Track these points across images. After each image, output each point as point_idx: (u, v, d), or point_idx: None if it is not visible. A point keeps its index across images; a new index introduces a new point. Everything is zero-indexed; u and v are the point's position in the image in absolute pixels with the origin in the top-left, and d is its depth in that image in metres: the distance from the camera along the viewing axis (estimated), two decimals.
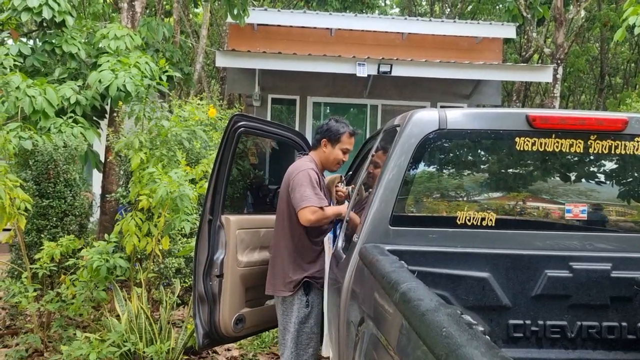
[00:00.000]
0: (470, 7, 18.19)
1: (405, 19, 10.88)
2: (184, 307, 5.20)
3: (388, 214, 2.16)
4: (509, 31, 10.11)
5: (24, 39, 5.92)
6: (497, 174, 2.28)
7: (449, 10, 19.26)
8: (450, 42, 10.26)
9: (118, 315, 3.96)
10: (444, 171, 2.29)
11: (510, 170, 2.27)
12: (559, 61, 9.60)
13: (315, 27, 10.14)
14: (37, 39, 5.84)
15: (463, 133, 2.24)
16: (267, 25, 10.09)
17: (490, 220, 2.18)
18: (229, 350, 4.35)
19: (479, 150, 2.28)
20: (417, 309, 1.14)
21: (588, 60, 18.81)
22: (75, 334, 4.06)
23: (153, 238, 3.88)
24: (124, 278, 4.19)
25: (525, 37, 13.92)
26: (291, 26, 10.09)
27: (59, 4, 5.34)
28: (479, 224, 2.18)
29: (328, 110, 10.58)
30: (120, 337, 3.60)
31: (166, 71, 4.32)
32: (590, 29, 17.17)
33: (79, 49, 5.53)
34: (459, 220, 2.18)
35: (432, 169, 2.27)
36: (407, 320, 1.18)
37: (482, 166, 2.29)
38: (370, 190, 2.32)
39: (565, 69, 15.12)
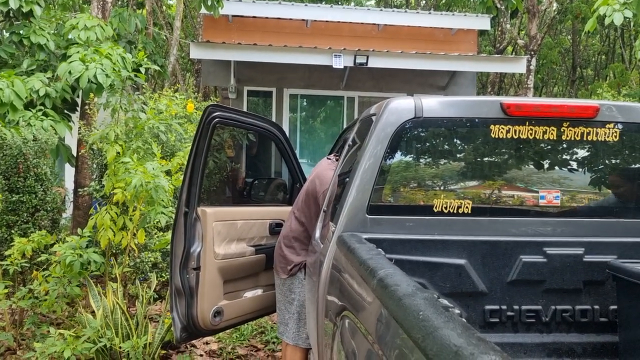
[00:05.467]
0: None
1: (381, 10, 10.88)
2: (161, 302, 5.14)
3: (365, 202, 2.16)
4: (483, 22, 10.20)
5: None
6: (473, 162, 2.29)
7: (424, 2, 19.34)
8: (426, 34, 10.31)
9: (93, 311, 3.89)
10: (421, 159, 2.30)
11: (486, 158, 2.29)
12: (532, 52, 9.73)
13: (290, 19, 10.08)
14: (4, 30, 5.67)
15: (439, 121, 2.25)
16: (242, 16, 9.98)
17: (467, 208, 2.20)
18: (207, 343, 4.32)
19: (455, 139, 2.29)
20: (395, 294, 1.13)
21: (560, 52, 19.14)
22: (49, 331, 3.98)
23: (128, 232, 3.82)
24: (98, 273, 4.12)
25: (500, 29, 14.08)
26: (267, 17, 10.00)
27: None
28: (455, 211, 2.19)
29: (305, 103, 10.55)
30: (95, 333, 3.54)
31: (141, 65, 4.24)
32: (562, 21, 17.46)
33: (47, 40, 5.39)
34: (436, 208, 2.19)
35: (408, 157, 2.27)
36: (385, 305, 1.18)
37: (458, 154, 2.30)
38: (348, 179, 2.31)
39: (538, 60, 15.36)
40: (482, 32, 13.24)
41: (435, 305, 1.01)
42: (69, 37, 5.37)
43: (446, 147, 2.29)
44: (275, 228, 3.63)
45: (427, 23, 10.22)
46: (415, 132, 2.25)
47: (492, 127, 2.22)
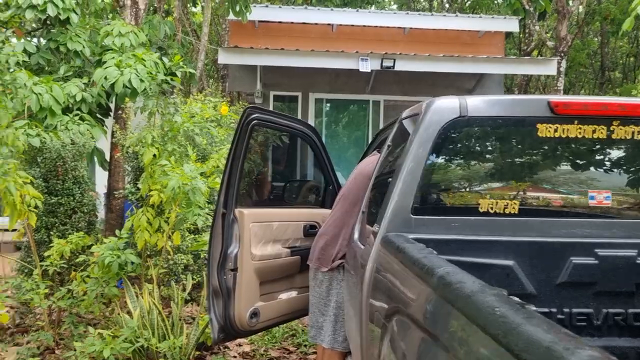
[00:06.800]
0: (470, 1, 18.16)
1: (407, 13, 10.85)
2: (192, 304, 5.18)
3: (409, 202, 2.14)
4: (511, 25, 10.08)
5: (28, 38, 5.89)
6: (520, 162, 2.26)
7: (448, 5, 19.22)
8: (452, 37, 10.23)
9: (129, 312, 3.94)
10: (466, 159, 2.27)
11: (533, 157, 2.25)
12: (562, 54, 9.58)
13: (316, 23, 10.11)
14: (41, 37, 5.81)
15: (484, 120, 2.22)
16: (268, 22, 10.05)
17: (513, 208, 2.16)
18: (240, 345, 4.34)
19: (500, 138, 2.25)
20: (461, 291, 1.11)
21: (588, 55, 18.79)
22: (86, 330, 4.04)
23: (164, 234, 3.86)
24: (134, 274, 4.17)
25: (527, 31, 13.89)
26: (292, 22, 10.06)
27: (63, 1, 5.31)
28: (502, 212, 2.16)
29: (330, 107, 10.56)
30: (132, 333, 3.58)
31: (171, 70, 4.32)
32: (589, 22, 17.14)
33: (83, 47, 5.50)
34: (482, 208, 2.16)
35: (453, 157, 2.25)
36: (451, 303, 1.16)
37: (503, 154, 2.27)
38: (390, 179, 2.30)
39: (567, 63, 15.10)
40: (507, 35, 13.10)
41: (509, 302, 0.99)
42: (104, 43, 5.47)
43: (491, 146, 2.26)
44: (310, 230, 3.63)
45: (454, 26, 10.15)
46: (460, 132, 2.22)
47: (539, 126, 2.18)
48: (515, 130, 2.24)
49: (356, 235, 2.76)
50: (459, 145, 2.25)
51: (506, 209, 2.16)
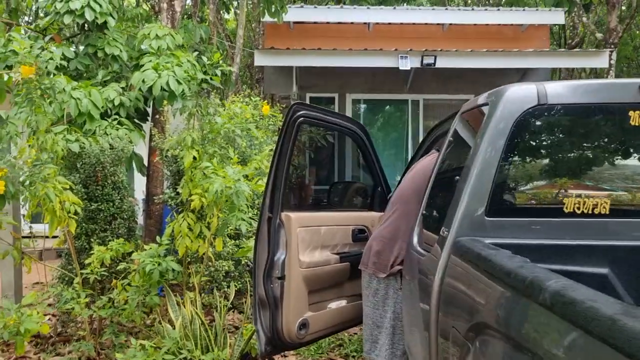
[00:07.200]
0: None
1: (447, 9, 10.51)
2: (233, 312, 5.03)
3: (484, 203, 1.89)
4: (557, 17, 9.61)
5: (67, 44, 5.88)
6: (609, 155, 1.98)
7: (485, 1, 18.67)
8: (494, 32, 9.83)
9: (170, 320, 3.80)
10: (546, 153, 2.01)
11: (625, 149, 1.97)
12: (612, 46, 9.06)
13: (352, 22, 9.88)
14: (79, 43, 5.78)
15: (566, 108, 1.95)
16: (303, 22, 9.88)
17: (604, 207, 1.89)
18: (285, 356, 4.14)
19: (586, 128, 1.98)
20: (598, 312, 0.88)
21: (634, 48, 17.92)
22: (127, 340, 3.92)
23: (206, 240, 3.71)
24: (175, 282, 4.03)
25: (572, 24, 13.30)
26: (328, 22, 9.86)
27: (100, 5, 5.26)
28: (590, 212, 1.88)
29: (368, 108, 10.31)
30: (175, 344, 3.43)
31: (207, 72, 4.18)
32: (633, 16, 16.32)
33: (121, 51, 5.43)
34: (567, 208, 1.90)
35: (532, 151, 1.99)
36: (580, 327, 0.92)
37: (590, 146, 1.99)
38: (459, 178, 2.05)
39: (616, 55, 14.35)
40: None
41: None
42: (142, 47, 5.39)
43: (576, 137, 1.99)
44: (358, 235, 3.42)
45: (496, 20, 9.74)
46: (539, 122, 1.96)
47: (631, 113, 1.90)
48: (603, 119, 1.97)
49: (415, 240, 2.52)
50: (538, 137, 1.99)
51: (595, 209, 1.89)
